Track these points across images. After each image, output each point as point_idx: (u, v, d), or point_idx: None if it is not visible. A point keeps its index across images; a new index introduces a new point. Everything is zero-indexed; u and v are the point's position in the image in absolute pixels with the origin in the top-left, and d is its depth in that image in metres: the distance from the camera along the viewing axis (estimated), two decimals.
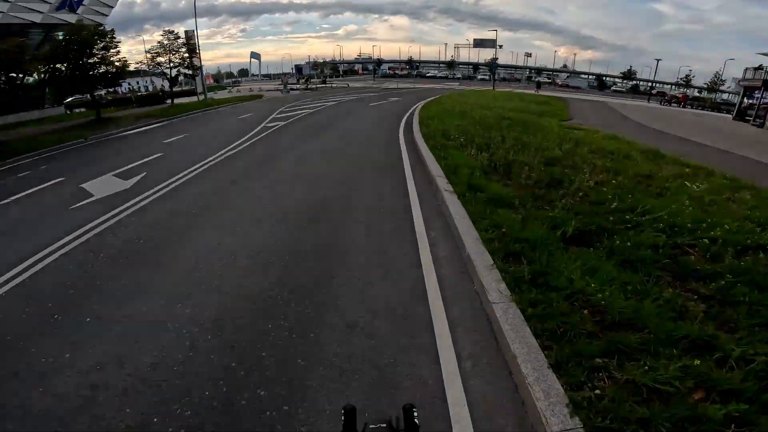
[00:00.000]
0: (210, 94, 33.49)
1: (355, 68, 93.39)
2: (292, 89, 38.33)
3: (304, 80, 42.23)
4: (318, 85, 43.09)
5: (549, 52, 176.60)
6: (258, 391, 2.42)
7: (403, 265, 3.93)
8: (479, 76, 79.93)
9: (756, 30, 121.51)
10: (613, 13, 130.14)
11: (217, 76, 77.05)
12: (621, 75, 76.02)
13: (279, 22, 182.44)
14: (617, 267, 3.33)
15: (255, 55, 78.18)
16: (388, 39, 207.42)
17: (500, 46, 55.83)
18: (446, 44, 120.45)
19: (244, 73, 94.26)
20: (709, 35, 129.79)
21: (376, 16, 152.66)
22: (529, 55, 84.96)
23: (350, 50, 75.38)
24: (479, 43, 56.93)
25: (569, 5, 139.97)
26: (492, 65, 42.70)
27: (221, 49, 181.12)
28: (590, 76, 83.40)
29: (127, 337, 3.02)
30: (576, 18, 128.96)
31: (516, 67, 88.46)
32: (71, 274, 4.14)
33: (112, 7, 29.90)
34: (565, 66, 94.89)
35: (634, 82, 72.32)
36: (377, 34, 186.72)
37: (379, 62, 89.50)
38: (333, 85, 43.74)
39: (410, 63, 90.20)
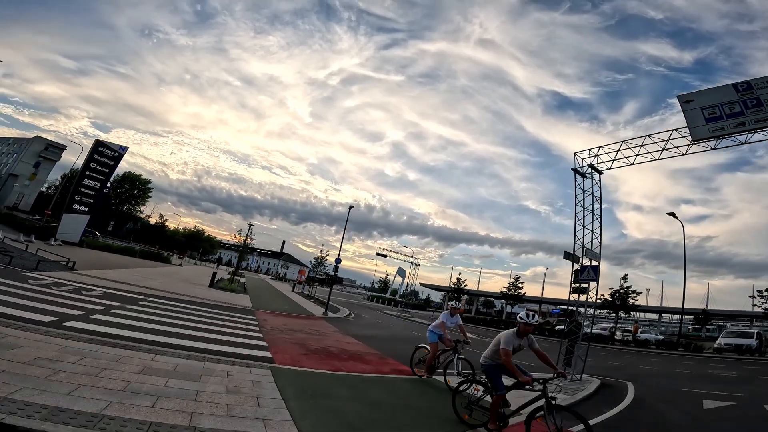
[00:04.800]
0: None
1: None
2: None
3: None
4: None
5: None
6: None
7: None
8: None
9: None
10: None
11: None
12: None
13: (472, 254, 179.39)
14: None
15: (401, 272, 68.89)
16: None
17: None
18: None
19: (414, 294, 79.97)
20: None
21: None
22: None
23: (532, 292, 55.79)
24: None
25: None
26: None
27: (423, 269, 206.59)
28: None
29: None
30: None
31: None
32: None
33: None
34: None
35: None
36: (566, 278, 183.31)
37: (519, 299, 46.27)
38: None
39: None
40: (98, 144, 31.18)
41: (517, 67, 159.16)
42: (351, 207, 20.68)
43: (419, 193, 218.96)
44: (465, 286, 51.46)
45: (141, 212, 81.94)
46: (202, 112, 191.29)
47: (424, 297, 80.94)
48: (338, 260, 20.48)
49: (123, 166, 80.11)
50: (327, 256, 33.92)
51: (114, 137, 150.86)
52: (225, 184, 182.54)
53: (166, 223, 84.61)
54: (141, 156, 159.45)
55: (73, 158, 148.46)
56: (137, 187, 78.42)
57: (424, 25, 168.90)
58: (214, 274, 22.37)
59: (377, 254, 47.99)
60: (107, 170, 31.71)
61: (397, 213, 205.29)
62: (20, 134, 66.34)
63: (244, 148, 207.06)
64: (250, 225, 28.49)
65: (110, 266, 19.96)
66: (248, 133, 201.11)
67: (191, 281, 22.67)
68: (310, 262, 37.68)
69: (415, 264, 48.70)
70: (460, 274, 50.89)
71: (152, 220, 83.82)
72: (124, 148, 32.77)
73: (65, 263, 15.82)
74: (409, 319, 32.32)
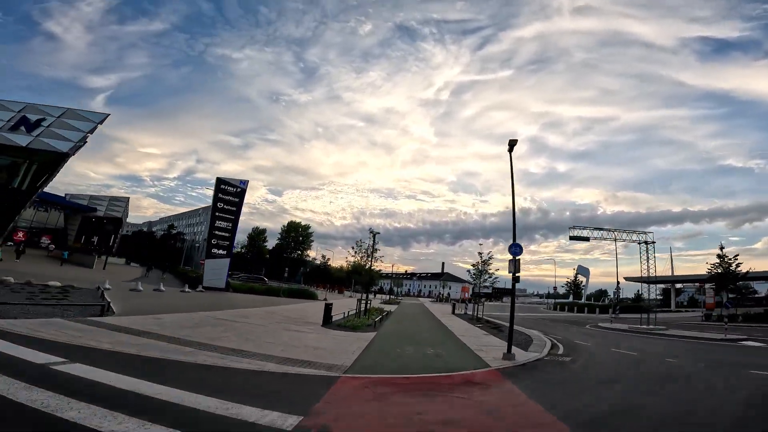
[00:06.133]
0: None
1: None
2: None
3: None
4: None
5: None
6: None
7: None
8: None
9: None
10: None
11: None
12: None
13: (668, 236, 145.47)
14: None
15: (583, 271, 59.11)
16: None
17: None
18: None
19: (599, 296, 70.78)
20: None
21: None
22: None
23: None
24: None
25: None
26: None
27: (597, 266, 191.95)
28: None
29: None
30: None
31: None
32: None
33: None
34: None
35: None
36: None
37: None
38: None
39: None
40: (220, 182, 30.00)
41: (635, 24, 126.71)
42: (512, 144, 10.25)
43: (576, 183, 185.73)
44: (737, 266, 31.38)
45: (308, 256, 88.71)
46: (342, 158, 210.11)
47: (623, 296, 58.62)
48: (517, 246, 9.95)
49: (297, 220, 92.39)
50: (491, 258, 23.10)
51: (286, 199, 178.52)
52: (379, 220, 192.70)
53: (329, 263, 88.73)
54: (309, 210, 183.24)
55: (256, 221, 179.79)
56: (300, 233, 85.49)
57: (507, 13, 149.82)
58: (328, 307, 15.05)
59: (571, 238, 33.68)
60: (234, 208, 30.06)
61: (557, 210, 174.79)
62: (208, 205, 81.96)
63: (386, 182, 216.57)
64: (373, 233, 20.63)
65: (200, 309, 14.87)
66: (385, 168, 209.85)
67: (306, 319, 15.98)
68: (468, 271, 27.42)
69: (645, 242, 31.97)
70: (722, 248, 31.50)
71: (317, 262, 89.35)
72: (244, 182, 30.92)
73: (104, 308, 10.83)
74: (665, 337, 17.97)
